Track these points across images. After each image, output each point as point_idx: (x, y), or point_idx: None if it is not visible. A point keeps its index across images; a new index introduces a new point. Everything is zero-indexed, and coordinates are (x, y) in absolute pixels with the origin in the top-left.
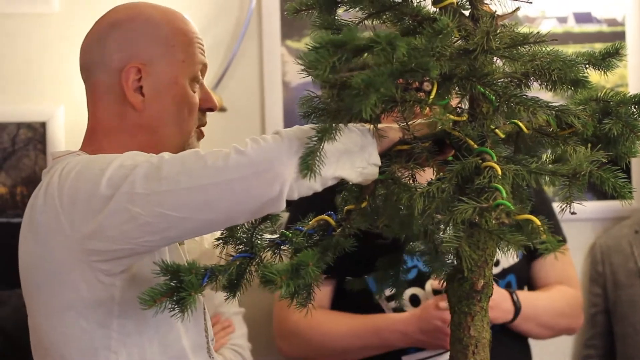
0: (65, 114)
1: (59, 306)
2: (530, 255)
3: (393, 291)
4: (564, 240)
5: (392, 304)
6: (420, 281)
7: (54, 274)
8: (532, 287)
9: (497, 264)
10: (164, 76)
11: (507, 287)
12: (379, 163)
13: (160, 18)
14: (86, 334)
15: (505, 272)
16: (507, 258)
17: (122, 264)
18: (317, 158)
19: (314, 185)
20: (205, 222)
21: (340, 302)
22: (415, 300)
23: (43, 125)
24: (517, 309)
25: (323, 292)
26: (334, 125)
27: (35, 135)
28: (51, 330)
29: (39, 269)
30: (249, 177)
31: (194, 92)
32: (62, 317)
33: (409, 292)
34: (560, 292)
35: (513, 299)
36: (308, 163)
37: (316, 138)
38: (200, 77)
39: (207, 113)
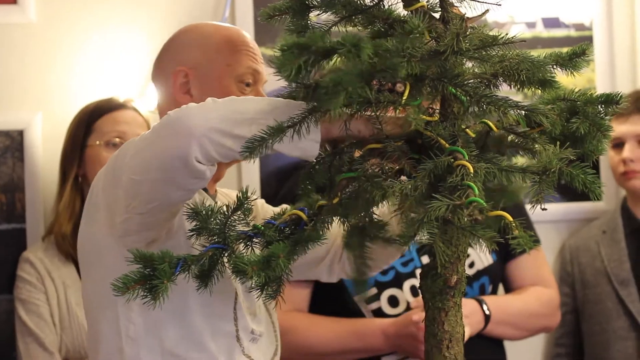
0: (43, 123)
1: (94, 277)
2: (505, 257)
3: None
4: (537, 241)
5: (372, 306)
6: (398, 282)
7: (93, 247)
8: (508, 288)
9: (471, 265)
10: (209, 78)
11: (481, 288)
12: (319, 139)
13: (210, 30)
14: (112, 305)
15: (479, 274)
16: (482, 260)
17: (139, 240)
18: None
19: (236, 148)
20: (154, 184)
21: (319, 306)
22: (393, 301)
23: (21, 133)
24: (487, 316)
25: (301, 296)
26: (284, 127)
27: (13, 143)
28: (89, 299)
29: (85, 243)
30: (165, 133)
31: (243, 93)
32: (96, 288)
33: (387, 293)
34: (534, 293)
35: (482, 308)
36: (249, 147)
37: (268, 133)
38: (250, 81)
39: None
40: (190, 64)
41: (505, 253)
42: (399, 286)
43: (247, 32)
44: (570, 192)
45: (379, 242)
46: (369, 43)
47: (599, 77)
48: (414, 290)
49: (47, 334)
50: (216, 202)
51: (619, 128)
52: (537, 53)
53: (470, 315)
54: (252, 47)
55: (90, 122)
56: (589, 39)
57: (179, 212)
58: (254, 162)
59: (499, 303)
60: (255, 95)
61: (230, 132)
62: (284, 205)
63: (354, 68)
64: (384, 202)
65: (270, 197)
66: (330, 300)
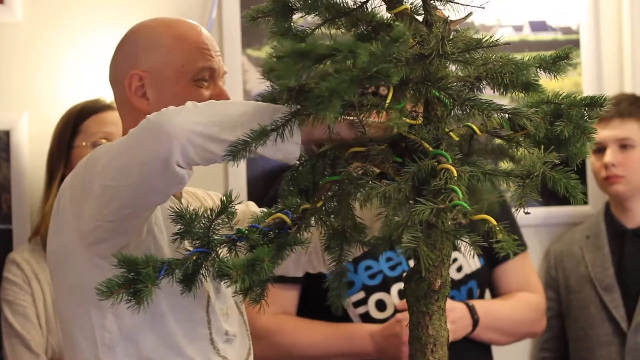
0: (29, 123)
1: (66, 287)
2: (492, 262)
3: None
4: (524, 247)
5: (359, 310)
6: (385, 286)
7: (63, 257)
8: (495, 293)
9: (459, 269)
10: (165, 80)
11: (469, 293)
12: (299, 142)
13: (160, 28)
14: (85, 314)
15: (467, 278)
16: (470, 264)
17: (110, 246)
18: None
19: (218, 151)
20: (131, 189)
21: (306, 309)
22: (381, 306)
23: (7, 133)
24: (475, 320)
25: (289, 298)
26: (267, 130)
27: None
28: (62, 309)
29: (54, 253)
30: (144, 137)
31: (200, 89)
32: (68, 298)
33: (375, 297)
34: (521, 299)
35: (470, 311)
36: (233, 151)
37: (251, 137)
38: (207, 78)
39: None
40: (143, 67)
41: (492, 258)
42: (387, 290)
43: (235, 33)
44: (555, 196)
45: (357, 245)
46: (364, 48)
47: (585, 80)
48: (401, 294)
49: (33, 336)
50: (181, 204)
51: (600, 133)
52: (521, 56)
53: (457, 320)
54: (205, 43)
55: (76, 123)
56: (576, 43)
57: (150, 217)
58: (237, 165)
59: (487, 308)
60: (214, 90)
61: (212, 136)
62: (249, 202)
63: (346, 74)
64: (367, 205)
65: (258, 199)
66: (317, 304)
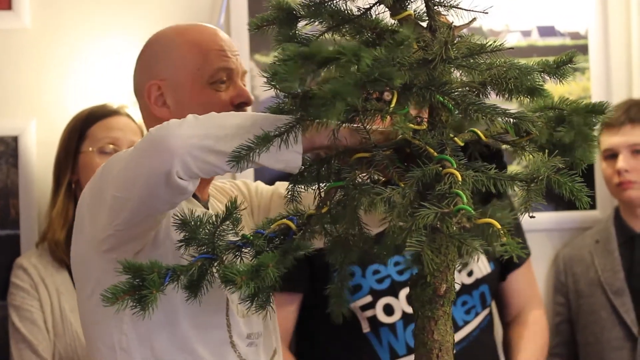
0: (37, 129)
1: (86, 292)
2: (501, 267)
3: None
4: (529, 251)
5: (367, 313)
6: (393, 291)
7: (82, 262)
8: (502, 299)
9: (470, 274)
10: (182, 87)
11: (481, 297)
12: (301, 151)
13: (174, 35)
14: (104, 318)
15: (478, 283)
16: (480, 269)
17: (125, 252)
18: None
19: (218, 163)
20: (138, 200)
21: (314, 315)
22: (389, 310)
23: (15, 139)
24: None
25: (283, 314)
26: (271, 136)
27: (7, 149)
28: (84, 315)
29: (75, 257)
30: (147, 151)
31: (219, 91)
32: (88, 303)
33: (383, 301)
34: (538, 325)
35: None
36: (236, 157)
37: (254, 143)
38: (224, 79)
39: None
40: (160, 76)
41: (502, 265)
42: (395, 295)
43: (243, 39)
44: (563, 201)
45: (362, 254)
46: (367, 52)
47: (594, 85)
48: (410, 299)
49: (40, 341)
50: (207, 211)
51: (611, 139)
52: (525, 61)
53: None
54: (220, 44)
55: (83, 128)
56: (585, 48)
57: (161, 221)
58: (240, 171)
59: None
60: (234, 91)
61: (211, 148)
62: (278, 183)
63: (349, 78)
64: (372, 211)
65: None
66: (324, 309)
